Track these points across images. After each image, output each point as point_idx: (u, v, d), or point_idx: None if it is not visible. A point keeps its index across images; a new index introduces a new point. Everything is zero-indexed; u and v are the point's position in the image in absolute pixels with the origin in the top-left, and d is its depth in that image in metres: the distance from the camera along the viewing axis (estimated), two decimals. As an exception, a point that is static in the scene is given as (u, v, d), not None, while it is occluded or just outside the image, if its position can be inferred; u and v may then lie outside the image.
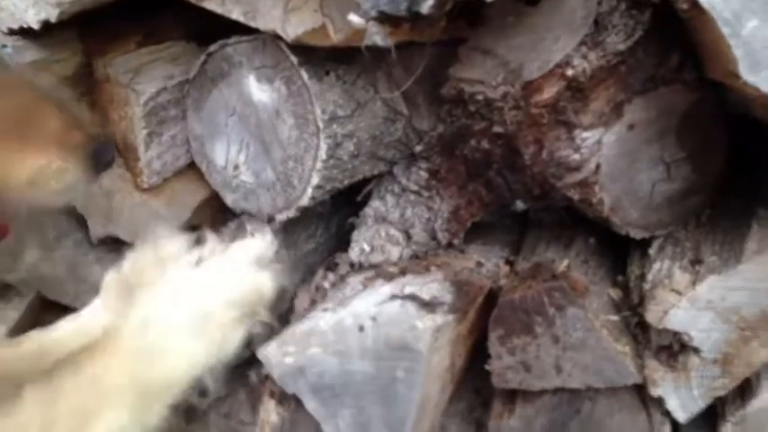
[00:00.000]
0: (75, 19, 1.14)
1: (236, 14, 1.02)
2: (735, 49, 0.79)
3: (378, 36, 0.76)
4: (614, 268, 1.34)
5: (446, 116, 1.20)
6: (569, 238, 1.36)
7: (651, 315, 1.13)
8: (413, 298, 1.14)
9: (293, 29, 0.98)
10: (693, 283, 1.09)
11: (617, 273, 1.32)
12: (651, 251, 1.21)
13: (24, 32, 1.11)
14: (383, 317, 1.12)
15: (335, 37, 0.92)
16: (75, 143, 0.74)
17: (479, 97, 1.08)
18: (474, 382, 1.40)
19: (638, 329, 1.23)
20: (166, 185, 1.31)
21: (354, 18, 0.78)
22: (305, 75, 1.12)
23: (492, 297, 1.26)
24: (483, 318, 1.23)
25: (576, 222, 1.34)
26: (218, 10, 1.04)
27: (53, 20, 1.05)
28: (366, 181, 1.36)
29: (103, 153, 0.77)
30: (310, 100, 1.13)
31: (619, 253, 1.33)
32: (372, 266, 1.34)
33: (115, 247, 1.38)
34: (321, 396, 1.18)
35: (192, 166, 1.32)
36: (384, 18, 0.76)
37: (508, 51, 1.04)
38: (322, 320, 1.16)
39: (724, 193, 1.21)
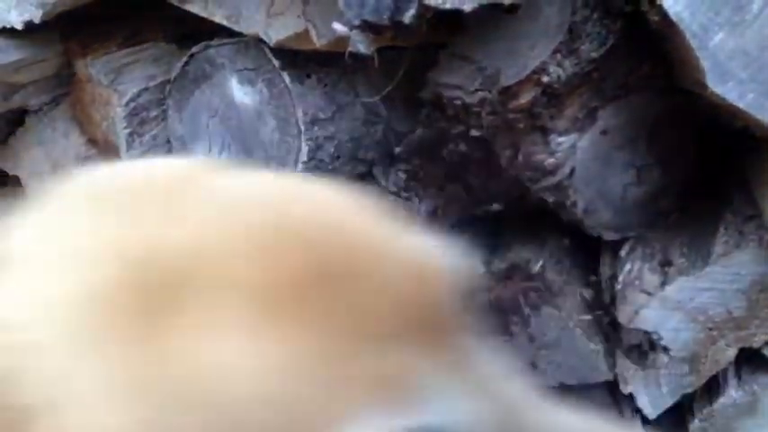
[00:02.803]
0: (58, 19, 1.14)
1: (218, 17, 1.04)
2: (702, 61, 0.82)
3: (361, 44, 0.78)
4: (587, 268, 1.37)
5: (425, 119, 1.22)
6: (544, 238, 1.39)
7: (622, 315, 1.17)
8: (392, 298, 1.16)
9: (276, 33, 0.99)
10: (663, 283, 1.13)
11: (590, 273, 1.36)
12: (622, 252, 1.24)
13: (6, 32, 1.11)
14: (362, 316, 1.14)
15: (318, 42, 0.94)
16: None
17: (457, 102, 1.10)
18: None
19: (609, 328, 1.26)
20: (147, 185, 1.31)
21: (338, 26, 0.80)
22: (287, 78, 1.13)
23: (469, 297, 1.28)
24: (459, 317, 1.26)
25: (551, 223, 1.37)
26: (202, 13, 1.05)
27: (36, 21, 1.06)
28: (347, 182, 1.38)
29: None
30: (292, 103, 1.14)
31: (592, 253, 1.37)
32: (352, 266, 1.35)
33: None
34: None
35: (173, 166, 1.33)
36: (367, 26, 0.77)
37: (486, 57, 1.06)
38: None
39: (694, 196, 1.25)
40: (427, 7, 0.74)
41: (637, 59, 1.10)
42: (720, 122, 1.12)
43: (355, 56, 0.82)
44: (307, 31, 0.96)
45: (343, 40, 0.87)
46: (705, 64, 0.82)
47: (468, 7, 0.74)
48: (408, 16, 0.74)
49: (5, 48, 1.12)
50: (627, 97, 1.11)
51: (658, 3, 0.82)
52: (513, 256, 1.34)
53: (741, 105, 0.83)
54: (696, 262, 1.12)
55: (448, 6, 0.74)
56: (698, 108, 1.15)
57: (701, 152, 1.21)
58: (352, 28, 0.78)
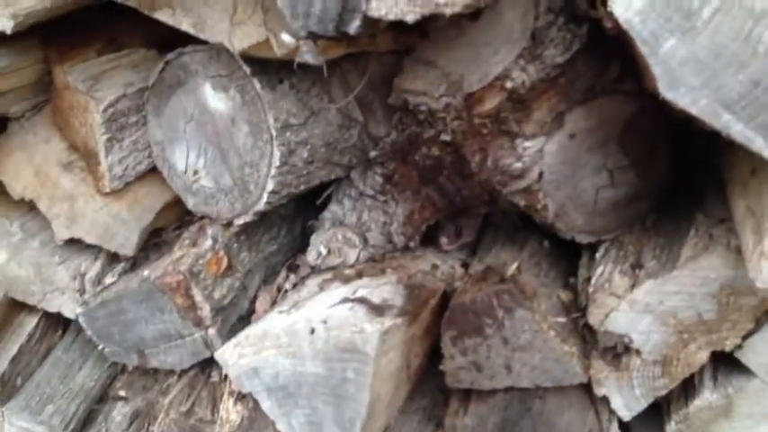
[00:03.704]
0: (35, 28, 1.16)
1: (185, 26, 1.05)
2: (654, 68, 0.82)
3: (309, 55, 0.79)
4: (567, 270, 1.37)
5: (398, 124, 1.23)
6: (523, 240, 1.39)
7: (593, 317, 1.17)
8: (363, 301, 1.17)
9: (239, 42, 1.01)
10: (632, 286, 1.13)
11: (570, 275, 1.36)
12: (597, 255, 1.24)
13: (-17, 42, 1.13)
14: (333, 320, 1.15)
15: (279, 52, 0.95)
16: None
17: (423, 108, 1.11)
18: (437, 381, 1.43)
19: (585, 330, 1.26)
20: (129, 189, 1.34)
21: (286, 37, 0.81)
22: (257, 84, 1.15)
23: (447, 299, 1.29)
24: (439, 319, 1.26)
25: (531, 226, 1.38)
26: (170, 21, 1.06)
27: (8, 31, 1.07)
28: (328, 184, 1.39)
29: None
30: (263, 108, 1.16)
31: (572, 255, 1.37)
32: (331, 269, 1.37)
33: (80, 248, 1.41)
34: (275, 396, 1.22)
35: (155, 171, 1.35)
36: (315, 37, 0.78)
37: (449, 63, 1.06)
38: (276, 323, 1.20)
39: (670, 197, 1.25)
40: (372, 18, 0.75)
41: (605, 62, 1.10)
42: (695, 124, 1.12)
43: (305, 67, 0.83)
44: (268, 40, 0.97)
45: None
46: (656, 70, 0.82)
47: (410, 18, 0.75)
48: (353, 27, 0.75)
49: (-17, 57, 1.15)
50: (595, 100, 1.10)
51: (608, 9, 0.81)
52: (492, 259, 1.34)
53: (693, 111, 0.83)
54: (666, 264, 1.12)
55: (391, 17, 0.74)
56: (671, 109, 1.15)
57: (676, 154, 1.21)
58: (299, 39, 0.78)
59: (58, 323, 1.53)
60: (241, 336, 1.21)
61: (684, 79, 0.82)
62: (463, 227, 1.36)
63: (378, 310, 1.16)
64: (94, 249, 1.42)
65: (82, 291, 1.39)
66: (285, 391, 1.20)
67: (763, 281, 0.92)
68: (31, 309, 1.46)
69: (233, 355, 1.21)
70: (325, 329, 1.14)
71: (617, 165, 1.17)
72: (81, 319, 1.38)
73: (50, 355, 1.51)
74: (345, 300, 1.18)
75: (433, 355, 1.32)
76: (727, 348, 1.13)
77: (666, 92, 0.83)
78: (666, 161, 1.21)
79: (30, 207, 1.38)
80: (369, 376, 1.12)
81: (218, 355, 1.23)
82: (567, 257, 1.39)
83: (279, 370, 1.18)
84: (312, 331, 1.14)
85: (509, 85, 1.04)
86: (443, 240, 1.37)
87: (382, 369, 1.15)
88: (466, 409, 1.31)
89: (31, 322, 1.48)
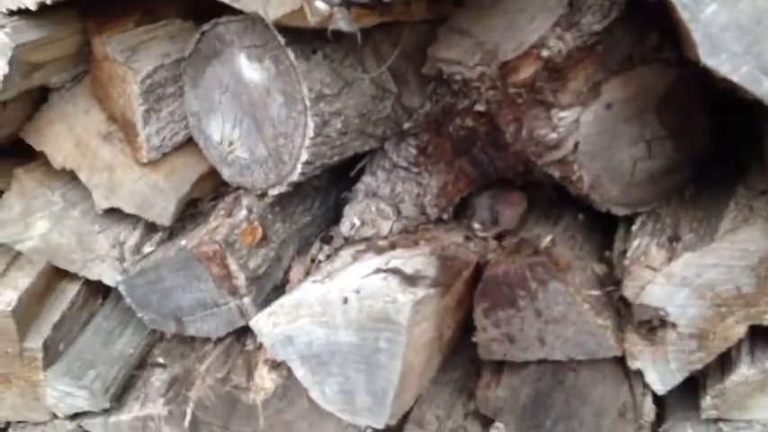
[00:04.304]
0: (74, -2, 1.18)
1: (220, -5, 1.05)
2: (694, 34, 0.80)
3: (342, 21, 0.79)
4: (602, 244, 1.36)
5: (432, 94, 1.22)
6: (558, 213, 1.38)
7: (628, 290, 1.15)
8: (396, 272, 1.18)
9: (274, 11, 1.01)
10: (669, 259, 1.11)
11: (605, 248, 1.34)
12: (633, 228, 1.23)
13: (24, 12, 1.15)
14: (366, 290, 1.16)
15: (312, 20, 0.95)
16: None
17: (457, 77, 1.10)
18: (470, 353, 1.44)
19: (620, 304, 1.25)
20: (166, 160, 1.35)
21: (320, 4, 0.81)
22: (292, 54, 1.15)
23: (480, 271, 1.29)
24: (472, 291, 1.27)
25: (566, 198, 1.36)
26: (205, -9, 1.07)
27: (48, 1, 1.09)
28: (362, 156, 1.40)
29: None
30: (297, 79, 1.16)
31: (608, 229, 1.35)
32: (364, 240, 1.37)
33: (119, 218, 1.43)
34: (309, 364, 1.23)
35: (191, 142, 1.37)
36: (349, 4, 0.78)
37: (484, 32, 1.05)
38: (309, 292, 1.21)
39: (709, 168, 1.22)
40: (405, -16, 0.74)
41: (644, 30, 1.08)
42: (737, 92, 1.09)
43: (339, 34, 0.83)
44: (302, 9, 0.96)
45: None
46: (697, 36, 0.80)
47: (442, -16, 0.74)
48: (387, -7, 0.74)
49: (23, 27, 1.16)
50: (633, 70, 1.09)
51: (648, -26, 0.80)
52: (526, 232, 1.33)
53: (735, 78, 0.81)
54: (704, 237, 1.10)
55: (424, -17, 0.74)
56: (712, 78, 1.13)
57: (715, 123, 1.18)
58: (333, 6, 0.78)
59: (98, 291, 1.56)
60: (275, 305, 1.23)
61: (726, 45, 0.80)
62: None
63: (411, 280, 1.16)
64: (133, 219, 1.44)
65: (121, 259, 1.42)
66: (318, 359, 1.21)
67: (804, 254, 0.90)
68: (73, 276, 1.50)
69: (267, 324, 1.23)
70: (359, 299, 1.15)
71: (654, 135, 1.15)
72: (121, 287, 1.41)
73: (91, 322, 1.54)
74: (378, 270, 1.19)
75: (466, 326, 1.32)
76: (766, 323, 1.11)
77: (707, 58, 0.81)
78: (705, 131, 1.19)
79: (71, 177, 1.41)
80: (401, 346, 1.13)
81: (252, 324, 1.25)
82: (602, 231, 1.37)
83: (312, 338, 1.20)
84: (345, 301, 1.15)
85: (545, 53, 1.03)
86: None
87: (415, 339, 1.16)
88: (498, 382, 1.31)
89: (72, 289, 1.51)
